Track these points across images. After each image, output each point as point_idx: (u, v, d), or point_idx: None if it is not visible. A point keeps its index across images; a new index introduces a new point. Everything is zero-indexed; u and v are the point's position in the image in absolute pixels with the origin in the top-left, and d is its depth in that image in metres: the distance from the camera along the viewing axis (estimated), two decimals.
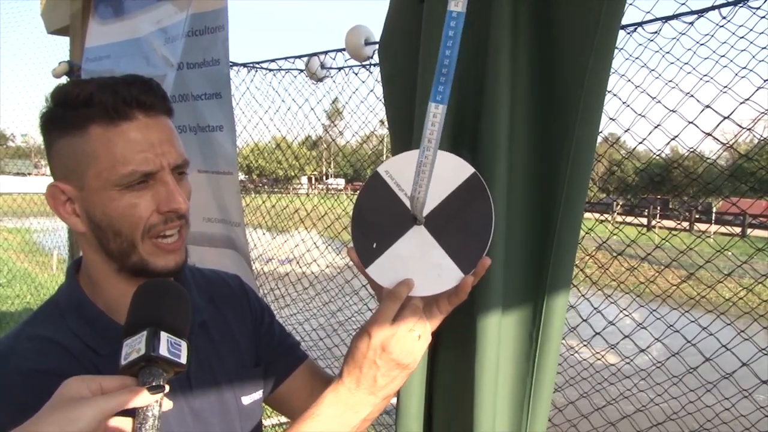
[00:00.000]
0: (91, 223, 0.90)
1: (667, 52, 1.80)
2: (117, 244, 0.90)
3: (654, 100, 1.90)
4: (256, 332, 1.16)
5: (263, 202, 4.84)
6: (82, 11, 2.65)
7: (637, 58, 1.86)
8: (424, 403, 1.27)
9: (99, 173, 0.87)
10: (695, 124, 1.82)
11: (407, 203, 0.94)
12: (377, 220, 0.96)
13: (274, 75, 3.37)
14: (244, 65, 3.49)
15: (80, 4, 2.66)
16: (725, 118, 1.70)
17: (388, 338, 0.87)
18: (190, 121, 2.18)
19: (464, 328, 1.14)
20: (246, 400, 1.07)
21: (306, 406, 1.20)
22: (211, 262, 2.16)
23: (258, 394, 1.11)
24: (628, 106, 1.90)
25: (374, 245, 0.94)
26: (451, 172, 0.94)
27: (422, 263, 0.93)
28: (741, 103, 1.66)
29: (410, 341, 0.88)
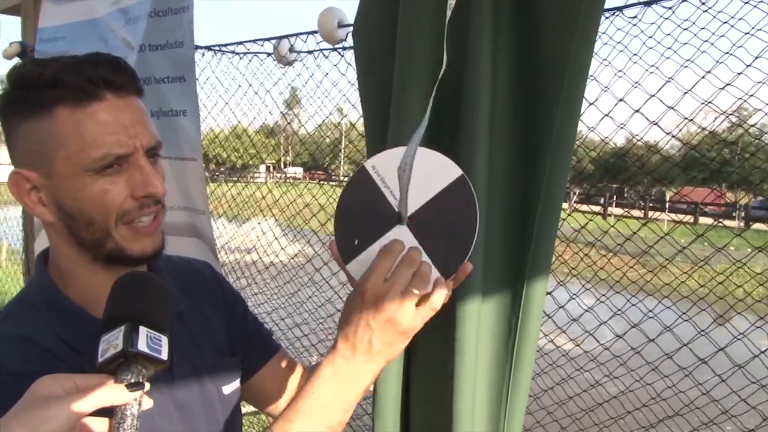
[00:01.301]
0: (61, 212, 0.85)
1: (650, 37, 1.81)
2: (89, 233, 0.85)
3: (634, 85, 1.91)
4: (230, 321, 1.13)
5: (229, 189, 4.75)
6: None
7: (619, 43, 1.88)
8: (402, 389, 1.26)
9: (68, 158, 0.81)
10: (675, 109, 1.84)
11: (393, 202, 0.92)
12: (361, 217, 0.93)
13: (240, 58, 3.29)
14: (209, 48, 3.38)
15: None
16: (705, 103, 1.73)
17: (381, 296, 0.82)
18: (153, 105, 2.11)
19: (443, 314, 1.13)
20: (226, 389, 1.05)
21: (274, 397, 1.19)
22: (175, 252, 2.10)
23: (237, 383, 1.08)
24: (608, 89, 1.91)
25: (356, 242, 0.92)
26: (438, 172, 0.92)
27: None
28: (720, 89, 1.69)
29: (407, 302, 0.82)
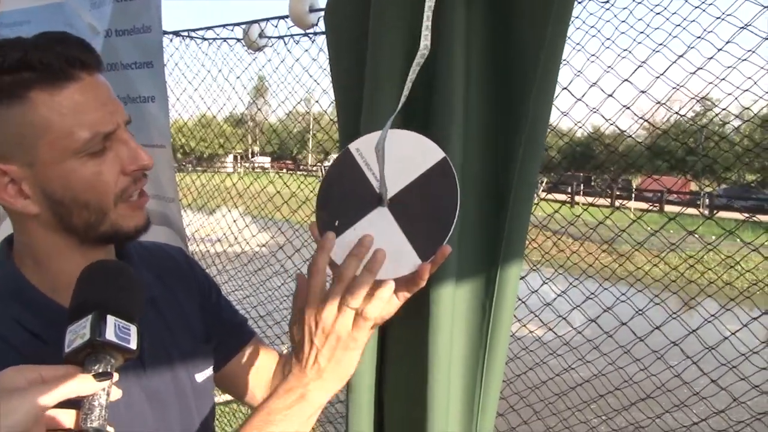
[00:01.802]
0: (49, 201, 0.81)
1: (623, 21, 1.82)
2: (83, 218, 0.83)
3: (607, 69, 1.93)
4: (204, 307, 1.11)
5: (199, 176, 4.69)
6: None
7: (592, 27, 1.89)
8: (376, 376, 1.25)
9: (53, 143, 0.78)
10: (649, 95, 1.87)
11: (374, 184, 0.91)
12: (343, 198, 0.93)
13: (209, 44, 3.22)
14: (177, 33, 3.30)
15: None
16: (677, 87, 1.75)
17: (318, 312, 0.80)
18: (120, 92, 2.06)
19: (417, 298, 1.13)
20: (199, 377, 1.02)
21: (249, 384, 1.17)
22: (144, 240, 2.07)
23: (210, 371, 1.06)
24: (581, 74, 1.92)
25: (336, 223, 0.91)
26: (420, 154, 0.91)
27: (381, 246, 0.89)
28: (691, 73, 1.71)
29: (344, 315, 0.81)
